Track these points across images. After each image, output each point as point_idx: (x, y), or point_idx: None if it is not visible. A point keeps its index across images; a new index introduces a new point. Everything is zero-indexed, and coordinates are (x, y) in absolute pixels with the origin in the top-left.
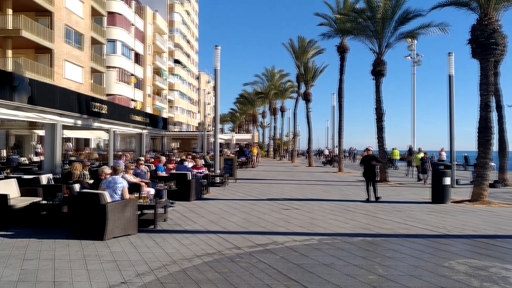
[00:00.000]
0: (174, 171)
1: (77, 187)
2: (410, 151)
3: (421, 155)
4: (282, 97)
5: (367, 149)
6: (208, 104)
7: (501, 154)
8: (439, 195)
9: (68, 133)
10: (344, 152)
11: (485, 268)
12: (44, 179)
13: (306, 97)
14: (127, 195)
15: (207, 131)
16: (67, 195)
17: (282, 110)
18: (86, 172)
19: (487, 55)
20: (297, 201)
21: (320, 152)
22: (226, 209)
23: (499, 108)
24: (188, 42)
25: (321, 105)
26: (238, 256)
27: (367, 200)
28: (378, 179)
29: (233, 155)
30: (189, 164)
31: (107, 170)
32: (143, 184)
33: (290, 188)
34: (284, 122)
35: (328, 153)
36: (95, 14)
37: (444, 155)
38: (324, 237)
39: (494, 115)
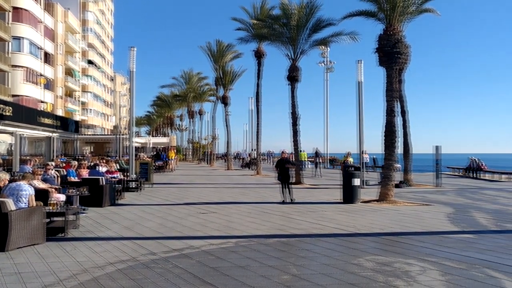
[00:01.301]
0: (86, 176)
1: None
2: (317, 154)
3: (350, 159)
4: (200, 100)
5: (282, 152)
6: (124, 106)
7: (405, 156)
8: (349, 195)
9: None
10: (262, 155)
11: (390, 264)
12: None
13: (225, 101)
14: (33, 203)
15: (122, 135)
16: None
17: (201, 113)
18: None
19: (392, 64)
20: (214, 205)
21: (238, 155)
22: (141, 214)
23: (404, 113)
24: (103, 42)
25: (239, 109)
26: (153, 262)
27: (283, 202)
28: (293, 181)
29: (149, 159)
30: (103, 168)
31: (3, 175)
32: (52, 190)
33: (208, 192)
34: (202, 125)
35: (247, 157)
36: None
37: (366, 157)
38: (240, 240)
39: (399, 120)
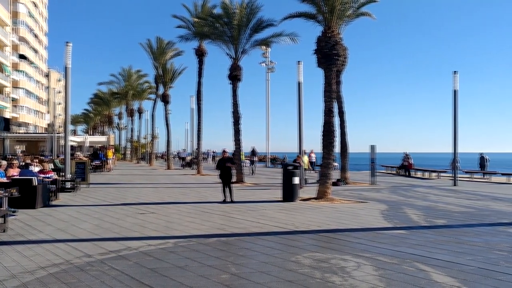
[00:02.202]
0: (17, 177)
1: None
2: (253, 152)
3: (305, 158)
4: (140, 98)
5: (223, 152)
6: (59, 104)
7: (343, 155)
8: (289, 194)
9: None
10: (203, 154)
11: (326, 260)
12: None
13: (165, 99)
14: None
15: (57, 133)
16: None
17: (140, 111)
18: None
19: (330, 65)
20: (153, 205)
21: (178, 155)
22: (76, 215)
23: (341, 113)
24: (36, 36)
25: (180, 107)
26: (89, 264)
27: (224, 201)
28: (235, 180)
29: (86, 158)
30: (36, 168)
31: None
32: None
33: (147, 192)
34: (142, 124)
35: (187, 156)
36: None
37: (313, 157)
38: (179, 240)
39: (337, 120)
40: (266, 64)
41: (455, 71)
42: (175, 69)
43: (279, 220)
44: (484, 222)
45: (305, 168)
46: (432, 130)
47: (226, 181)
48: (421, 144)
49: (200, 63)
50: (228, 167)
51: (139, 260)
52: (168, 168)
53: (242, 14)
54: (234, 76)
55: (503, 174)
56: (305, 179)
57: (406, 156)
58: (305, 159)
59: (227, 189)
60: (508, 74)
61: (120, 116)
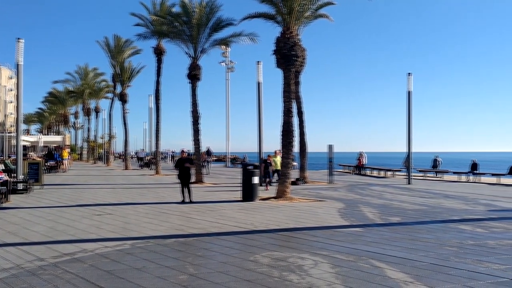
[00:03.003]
0: None
1: None
2: (209, 151)
3: (278, 158)
4: (96, 97)
5: (182, 152)
6: (10, 102)
7: (302, 155)
8: (249, 193)
9: None
10: (162, 154)
11: (285, 259)
12: None
13: (123, 98)
14: None
15: (8, 132)
16: None
17: (97, 110)
18: None
19: (289, 66)
20: (110, 206)
21: (137, 154)
22: (29, 218)
23: (300, 113)
24: None
25: (138, 107)
26: (41, 268)
27: (183, 202)
28: (194, 180)
29: (40, 159)
30: None
31: None
32: None
33: (103, 192)
34: (99, 123)
35: (145, 156)
36: None
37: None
38: (137, 241)
39: (296, 120)
40: (226, 64)
41: (409, 73)
42: (133, 68)
43: (238, 220)
44: (436, 219)
45: (277, 169)
46: (390, 129)
47: (184, 181)
48: (380, 143)
49: (159, 62)
50: (187, 167)
51: (95, 263)
52: (126, 168)
53: (201, 13)
54: (193, 75)
55: (454, 173)
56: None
57: (360, 155)
58: (277, 159)
59: (185, 190)
60: (460, 76)
61: (76, 115)
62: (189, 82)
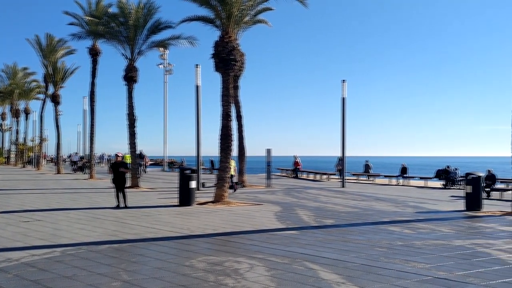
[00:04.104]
0: None
1: None
2: (141, 155)
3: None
4: (27, 97)
5: (116, 155)
6: None
7: (241, 159)
8: (186, 198)
9: None
10: (97, 158)
11: (221, 263)
12: None
13: (55, 99)
14: None
15: None
16: None
17: (27, 112)
18: None
19: (227, 70)
20: (40, 212)
21: (70, 158)
22: None
23: (239, 117)
24: None
25: (72, 108)
26: None
27: (117, 207)
28: (129, 185)
29: None
30: None
31: None
32: None
33: (33, 198)
34: (29, 125)
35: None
36: None
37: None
38: (68, 248)
39: (234, 124)
40: (164, 66)
41: (343, 80)
42: (67, 68)
43: (174, 224)
44: (367, 221)
45: (232, 174)
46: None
47: (119, 185)
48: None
49: (94, 63)
50: (122, 172)
51: (20, 272)
52: (58, 172)
53: (139, 14)
54: (130, 77)
55: (385, 176)
56: (202, 182)
57: (295, 158)
58: (232, 163)
59: (120, 194)
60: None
61: (3, 116)
62: (125, 84)
